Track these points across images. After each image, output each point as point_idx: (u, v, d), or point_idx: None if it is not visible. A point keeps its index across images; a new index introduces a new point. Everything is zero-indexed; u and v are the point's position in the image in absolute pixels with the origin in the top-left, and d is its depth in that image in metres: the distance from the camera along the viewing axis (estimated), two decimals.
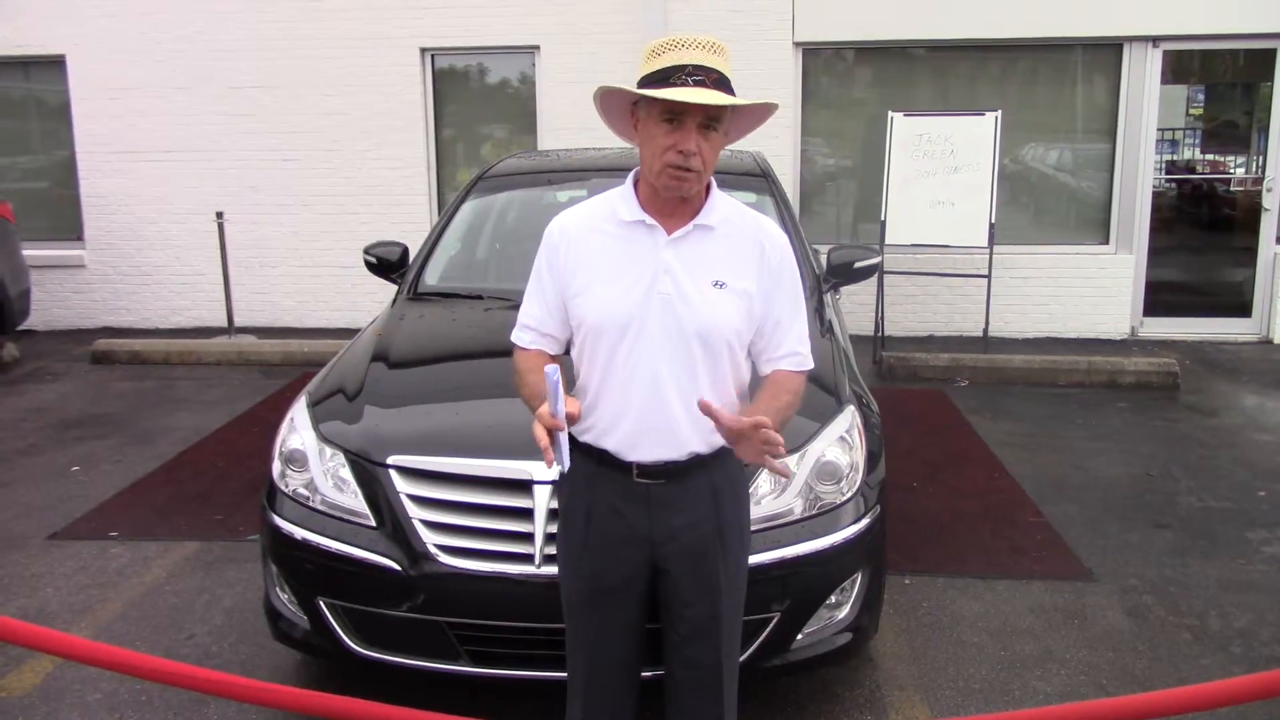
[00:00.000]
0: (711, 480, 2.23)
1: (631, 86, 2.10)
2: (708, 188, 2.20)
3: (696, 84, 2.01)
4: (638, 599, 2.28)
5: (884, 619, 3.47)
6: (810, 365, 2.28)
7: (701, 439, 2.19)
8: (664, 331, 2.12)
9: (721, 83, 2.05)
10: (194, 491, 5.13)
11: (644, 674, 2.39)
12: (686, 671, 2.31)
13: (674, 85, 2.01)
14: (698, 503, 2.22)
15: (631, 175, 2.24)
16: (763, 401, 2.17)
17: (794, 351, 2.25)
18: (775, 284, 2.21)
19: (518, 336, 2.32)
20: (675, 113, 2.04)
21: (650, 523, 2.21)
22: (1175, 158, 8.59)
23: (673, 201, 2.15)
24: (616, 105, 2.19)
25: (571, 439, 2.25)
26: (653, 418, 2.16)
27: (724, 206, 2.22)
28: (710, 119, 2.06)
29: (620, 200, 2.21)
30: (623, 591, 2.26)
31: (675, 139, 2.05)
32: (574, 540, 2.28)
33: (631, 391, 2.16)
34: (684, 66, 2.03)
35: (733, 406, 2.20)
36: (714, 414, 2.01)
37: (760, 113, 2.18)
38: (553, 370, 1.96)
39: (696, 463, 2.21)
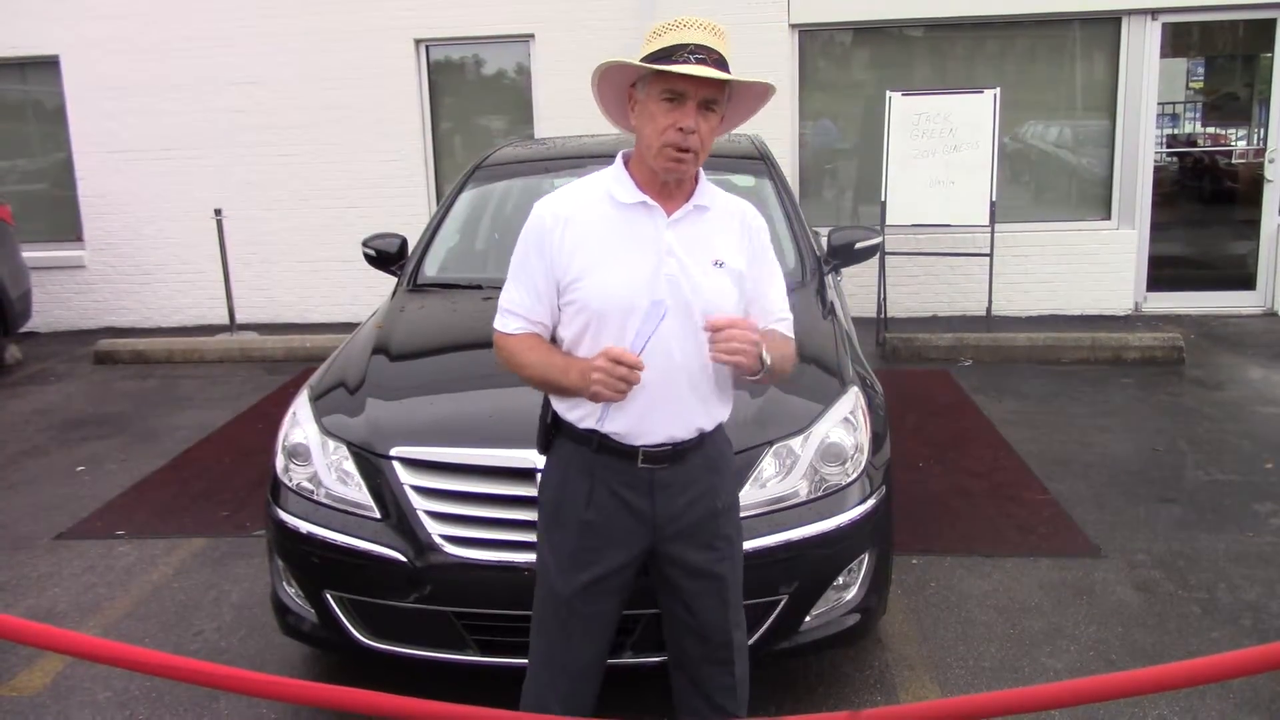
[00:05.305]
0: (706, 455, 2.27)
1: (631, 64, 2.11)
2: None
3: (698, 62, 2.03)
4: (625, 588, 2.29)
5: (892, 599, 3.47)
6: (791, 335, 2.39)
7: (706, 413, 2.24)
8: (672, 312, 2.11)
9: (721, 64, 2.07)
10: (200, 488, 5.13)
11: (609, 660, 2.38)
12: (699, 644, 2.31)
13: (676, 63, 2.03)
14: (697, 478, 2.25)
15: (620, 157, 2.23)
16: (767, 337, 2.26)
17: (782, 318, 2.34)
18: (760, 262, 2.29)
19: (502, 323, 2.23)
20: (676, 91, 2.06)
21: (654, 507, 2.21)
22: (1176, 131, 8.54)
23: (669, 185, 2.17)
24: (613, 89, 2.19)
25: (570, 425, 2.25)
26: (665, 398, 2.17)
27: (710, 189, 2.26)
28: (709, 100, 2.08)
29: (614, 182, 2.20)
30: (616, 581, 2.26)
31: (675, 117, 2.06)
32: (568, 532, 2.24)
33: (644, 374, 2.13)
34: (686, 45, 2.05)
35: (734, 382, 2.29)
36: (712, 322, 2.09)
37: (754, 101, 2.21)
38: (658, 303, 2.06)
39: (693, 442, 2.24)
